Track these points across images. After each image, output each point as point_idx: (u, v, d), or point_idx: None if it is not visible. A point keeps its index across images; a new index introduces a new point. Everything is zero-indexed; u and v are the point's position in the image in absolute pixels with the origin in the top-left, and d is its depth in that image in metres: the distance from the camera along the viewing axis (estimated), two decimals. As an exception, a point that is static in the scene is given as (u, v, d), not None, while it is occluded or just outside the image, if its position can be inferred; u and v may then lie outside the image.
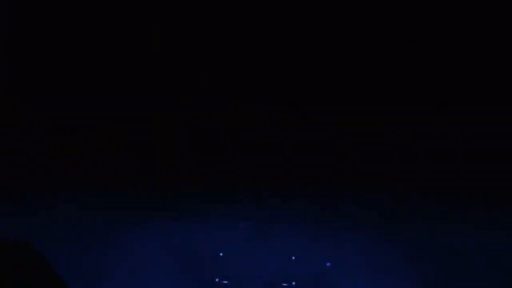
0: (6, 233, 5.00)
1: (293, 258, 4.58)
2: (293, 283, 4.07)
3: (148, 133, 8.33)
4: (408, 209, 6.21)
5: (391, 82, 8.42)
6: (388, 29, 8.24)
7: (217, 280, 4.08)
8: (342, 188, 7.07)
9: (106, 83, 8.35)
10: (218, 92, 7.03)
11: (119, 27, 8.22)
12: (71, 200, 6.24)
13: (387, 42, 8.28)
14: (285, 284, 4.05)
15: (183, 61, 8.29)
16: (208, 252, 4.64)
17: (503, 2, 7.78)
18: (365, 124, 8.43)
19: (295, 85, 6.87)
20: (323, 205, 6.29)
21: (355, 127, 8.42)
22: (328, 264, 4.45)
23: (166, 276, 4.15)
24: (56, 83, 8.26)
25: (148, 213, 5.77)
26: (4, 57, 7.94)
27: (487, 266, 4.50)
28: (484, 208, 6.31)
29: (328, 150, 8.25)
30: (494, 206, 6.36)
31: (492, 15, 8.02)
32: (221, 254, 4.56)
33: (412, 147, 8.29)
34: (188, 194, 6.63)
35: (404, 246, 4.94)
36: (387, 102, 8.41)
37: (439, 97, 8.39)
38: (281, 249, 4.75)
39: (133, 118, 8.34)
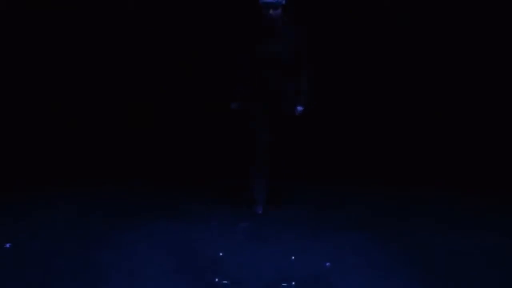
0: (5, 232, 5.00)
1: (293, 258, 4.58)
2: (293, 283, 4.07)
3: (148, 133, 8.33)
4: (407, 209, 6.21)
5: (390, 81, 8.41)
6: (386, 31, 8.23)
7: (216, 280, 4.08)
8: (342, 188, 7.07)
9: (106, 83, 8.34)
10: (217, 92, 7.02)
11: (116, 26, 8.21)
12: (71, 200, 6.24)
13: (386, 42, 8.27)
14: (285, 284, 4.05)
15: (183, 61, 8.28)
16: (207, 252, 4.63)
17: None
18: (365, 124, 8.42)
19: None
20: (322, 205, 6.28)
21: (355, 126, 8.41)
22: (327, 264, 4.45)
23: (165, 276, 4.14)
24: (56, 83, 8.25)
25: (147, 214, 5.77)
26: (3, 56, 7.93)
27: (487, 266, 4.49)
28: (484, 208, 6.31)
29: (327, 149, 8.24)
30: (494, 206, 6.36)
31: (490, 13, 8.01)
32: (221, 254, 4.56)
33: (411, 146, 8.28)
34: (188, 194, 6.63)
35: (404, 246, 4.94)
36: (387, 101, 8.40)
37: (438, 93, 8.38)
38: (280, 250, 4.74)
39: (133, 118, 8.33)
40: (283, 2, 4.85)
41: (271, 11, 4.79)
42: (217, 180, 7.25)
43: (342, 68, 8.33)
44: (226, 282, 4.04)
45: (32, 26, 8.02)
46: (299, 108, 5.12)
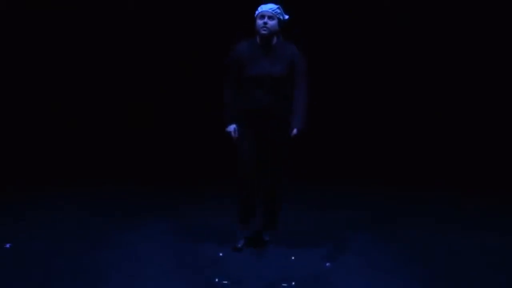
0: (5, 232, 5.00)
1: (293, 258, 4.58)
2: (293, 283, 4.07)
3: (148, 133, 8.33)
4: (407, 209, 6.21)
5: (390, 82, 8.41)
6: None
7: (216, 280, 4.08)
8: (342, 188, 7.07)
9: (106, 83, 8.35)
10: (216, 92, 7.00)
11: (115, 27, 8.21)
12: (71, 200, 6.24)
13: (386, 42, 8.28)
14: (285, 284, 4.05)
15: (183, 61, 8.29)
16: (207, 252, 4.63)
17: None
18: (365, 124, 8.43)
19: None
20: (322, 205, 6.28)
21: (355, 127, 8.42)
22: (327, 264, 4.45)
23: (165, 276, 4.14)
24: (56, 83, 8.26)
25: (147, 214, 5.77)
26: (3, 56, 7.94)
27: (487, 266, 4.49)
28: (484, 208, 6.31)
29: (327, 149, 8.25)
30: (494, 206, 6.36)
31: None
32: (220, 254, 4.55)
33: (411, 146, 8.29)
34: (188, 194, 6.63)
35: (404, 246, 4.94)
36: (387, 101, 8.41)
37: (438, 93, 8.39)
38: (280, 250, 4.73)
39: (133, 118, 8.34)
40: (280, 16, 4.56)
41: (266, 19, 4.56)
42: (217, 180, 7.25)
43: (342, 68, 8.34)
44: (226, 282, 4.04)
45: (32, 26, 8.02)
46: (295, 130, 4.51)
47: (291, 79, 4.60)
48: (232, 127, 4.68)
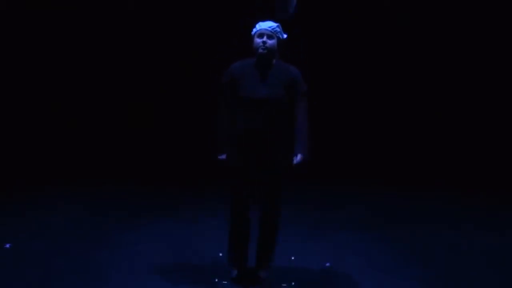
0: (5, 232, 5.00)
1: (293, 258, 4.58)
2: (293, 283, 4.07)
3: (148, 133, 8.33)
4: (407, 209, 6.21)
5: (390, 81, 8.41)
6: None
7: (216, 280, 4.08)
8: (342, 188, 7.07)
9: (106, 82, 8.35)
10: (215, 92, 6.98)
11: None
12: (71, 200, 6.24)
13: (386, 42, 8.27)
14: (285, 285, 4.05)
15: (183, 61, 8.29)
16: (207, 252, 4.64)
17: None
18: (364, 124, 8.42)
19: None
20: (322, 205, 6.29)
21: (355, 127, 8.41)
22: (327, 264, 4.45)
23: (165, 276, 4.14)
24: (56, 83, 8.26)
25: (147, 214, 5.77)
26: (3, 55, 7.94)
27: (487, 266, 4.50)
28: (484, 208, 6.31)
29: (327, 149, 8.24)
30: (494, 206, 6.36)
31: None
32: (220, 254, 4.55)
33: (411, 146, 8.29)
34: (188, 194, 6.63)
35: (404, 246, 4.94)
36: (387, 101, 8.41)
37: (438, 93, 8.39)
38: (280, 250, 4.73)
39: (133, 118, 8.33)
40: (280, 35, 4.21)
41: (265, 38, 4.12)
42: (217, 180, 7.24)
43: (343, 68, 8.33)
44: (226, 282, 4.05)
45: (32, 26, 8.02)
46: (299, 156, 4.20)
47: (290, 102, 4.28)
48: (224, 156, 4.32)
